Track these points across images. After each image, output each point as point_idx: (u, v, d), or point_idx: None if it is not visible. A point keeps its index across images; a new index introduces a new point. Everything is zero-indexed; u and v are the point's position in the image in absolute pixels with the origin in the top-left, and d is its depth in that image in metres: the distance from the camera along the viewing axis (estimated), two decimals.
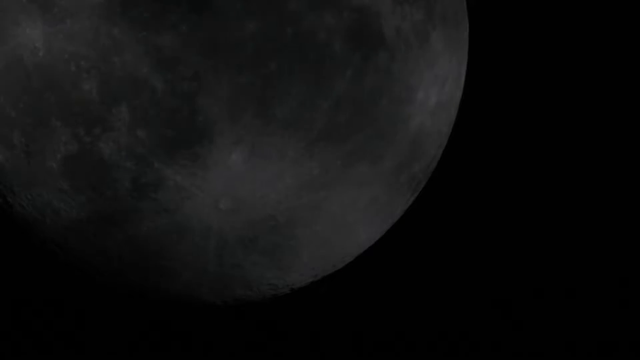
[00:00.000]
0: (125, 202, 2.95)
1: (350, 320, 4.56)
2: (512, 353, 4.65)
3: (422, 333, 4.63)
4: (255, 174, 2.91)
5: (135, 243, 3.07)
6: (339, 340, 4.54)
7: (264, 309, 3.83)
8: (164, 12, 2.70)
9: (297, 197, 3.03)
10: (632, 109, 4.84)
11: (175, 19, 2.70)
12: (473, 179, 4.71)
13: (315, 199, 3.06)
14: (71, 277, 3.41)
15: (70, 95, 2.78)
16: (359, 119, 2.97)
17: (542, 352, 4.65)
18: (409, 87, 3.07)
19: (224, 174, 2.89)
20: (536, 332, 4.70)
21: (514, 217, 4.77)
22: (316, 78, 2.84)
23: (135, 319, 4.24)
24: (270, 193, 2.98)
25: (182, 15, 2.70)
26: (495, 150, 4.76)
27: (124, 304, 3.61)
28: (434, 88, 3.20)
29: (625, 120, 4.85)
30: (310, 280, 3.56)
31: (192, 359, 4.40)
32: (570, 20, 4.74)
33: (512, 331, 4.71)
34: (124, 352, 4.37)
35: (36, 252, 3.32)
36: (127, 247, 3.10)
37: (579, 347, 4.67)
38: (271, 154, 2.89)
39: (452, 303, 4.67)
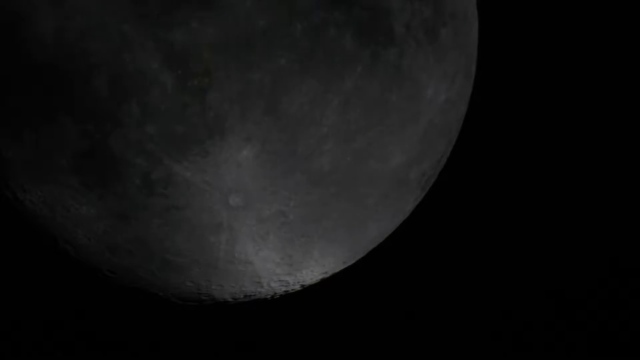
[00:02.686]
0: (135, 198, 2.95)
1: (362, 316, 4.57)
2: (516, 351, 4.66)
3: (435, 329, 4.64)
4: (266, 170, 2.91)
5: (146, 239, 3.08)
6: (350, 337, 4.55)
7: (275, 305, 3.83)
8: (174, 8, 2.69)
9: (307, 194, 3.03)
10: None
11: (185, 15, 2.70)
12: (483, 175, 4.71)
13: (326, 196, 3.06)
14: (81, 274, 3.42)
15: (80, 92, 2.78)
16: (369, 115, 2.96)
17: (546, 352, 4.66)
18: (418, 83, 3.07)
19: (235, 170, 2.89)
20: (541, 331, 4.70)
21: (524, 213, 4.77)
22: (326, 74, 2.83)
23: (145, 316, 4.25)
24: (280, 189, 2.98)
25: (192, 11, 2.69)
26: (506, 147, 4.76)
27: (134, 300, 3.62)
28: (444, 84, 3.20)
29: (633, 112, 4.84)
30: (321, 277, 3.57)
31: (203, 355, 4.42)
32: (581, 15, 4.73)
33: (521, 328, 4.71)
34: (135, 349, 4.38)
35: (46, 248, 3.33)
36: (137, 243, 3.10)
37: (586, 348, 4.67)
38: (281, 150, 2.89)
39: (463, 299, 4.67)
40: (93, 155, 2.87)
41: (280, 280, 3.39)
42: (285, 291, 3.53)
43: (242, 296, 3.45)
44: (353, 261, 3.63)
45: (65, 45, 2.76)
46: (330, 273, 3.58)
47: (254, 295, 3.47)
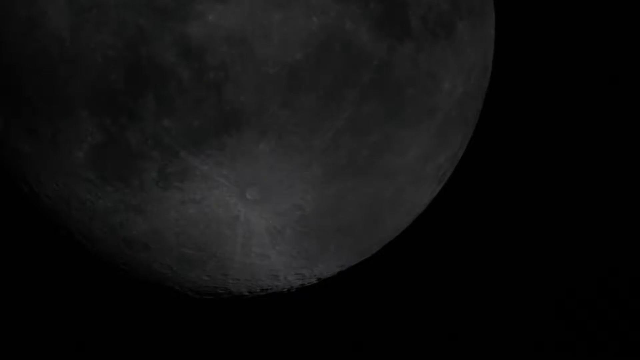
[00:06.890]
0: (151, 191, 2.95)
1: (379, 308, 4.58)
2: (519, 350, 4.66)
3: (450, 322, 4.64)
4: (282, 164, 2.91)
5: (161, 233, 3.08)
6: (367, 329, 4.56)
7: (291, 298, 3.84)
8: (190, 2, 2.69)
9: (323, 187, 3.02)
10: None
11: (201, 9, 2.69)
12: (499, 169, 4.71)
13: (342, 189, 3.06)
14: (97, 268, 3.43)
15: (97, 85, 2.78)
16: (385, 109, 2.96)
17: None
18: (435, 77, 3.06)
19: (251, 164, 2.89)
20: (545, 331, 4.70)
21: (541, 209, 4.76)
22: (342, 68, 2.83)
23: (161, 309, 4.27)
24: (297, 183, 2.98)
25: (209, 4, 2.69)
26: (522, 141, 4.75)
27: (149, 294, 3.63)
28: (460, 78, 3.19)
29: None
30: (337, 270, 3.57)
31: (219, 349, 4.43)
32: (599, 10, 4.71)
33: (534, 328, 4.71)
34: (151, 343, 4.40)
35: (62, 242, 3.34)
36: (153, 237, 3.10)
37: (595, 351, 4.67)
38: (298, 144, 2.88)
39: (477, 292, 4.67)
40: (109, 148, 2.87)
41: (296, 274, 3.39)
42: (301, 284, 3.54)
43: (258, 289, 3.45)
44: (369, 254, 3.63)
45: (81, 39, 2.76)
46: (346, 266, 3.58)
47: (271, 288, 3.47)
